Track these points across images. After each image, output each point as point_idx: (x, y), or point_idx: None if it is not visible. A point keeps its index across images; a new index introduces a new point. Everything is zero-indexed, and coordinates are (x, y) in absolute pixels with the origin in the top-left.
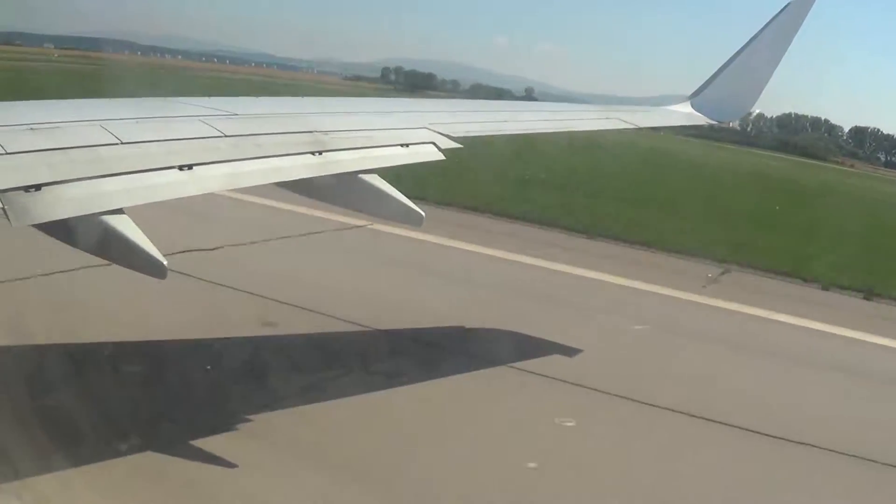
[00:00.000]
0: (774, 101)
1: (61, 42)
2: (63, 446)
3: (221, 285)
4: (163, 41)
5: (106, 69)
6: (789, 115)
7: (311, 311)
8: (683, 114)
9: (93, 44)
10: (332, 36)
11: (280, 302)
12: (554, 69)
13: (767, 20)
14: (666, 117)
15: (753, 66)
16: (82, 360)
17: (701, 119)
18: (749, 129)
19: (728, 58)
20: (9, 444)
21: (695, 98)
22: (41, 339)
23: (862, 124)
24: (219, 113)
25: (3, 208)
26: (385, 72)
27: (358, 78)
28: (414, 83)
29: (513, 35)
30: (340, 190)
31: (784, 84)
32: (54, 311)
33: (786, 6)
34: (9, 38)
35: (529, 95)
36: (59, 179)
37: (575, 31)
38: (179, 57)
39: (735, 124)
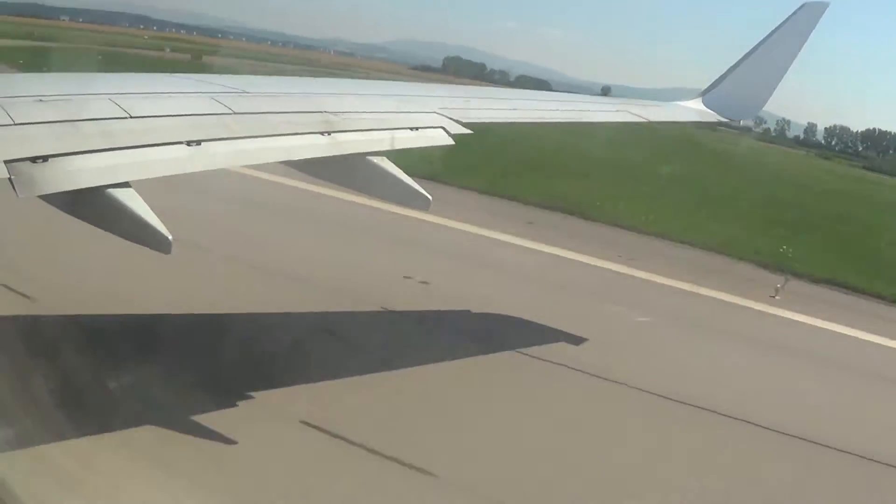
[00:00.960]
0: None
1: (77, 15)
2: None
3: None
4: (173, 16)
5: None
6: (873, 130)
7: None
8: (695, 110)
9: (110, 18)
10: (339, 15)
11: None
12: (563, 56)
13: (783, 17)
14: (677, 113)
15: (765, 65)
16: None
17: (712, 116)
18: (833, 142)
19: (741, 53)
20: None
21: (706, 95)
22: None
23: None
24: (229, 90)
25: (10, 179)
26: (446, 62)
27: (426, 68)
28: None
29: (523, 20)
30: (348, 171)
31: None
32: None
33: (800, 7)
34: (23, 11)
35: (606, 93)
36: (66, 151)
37: (586, 18)
38: (195, 33)
39: (820, 137)
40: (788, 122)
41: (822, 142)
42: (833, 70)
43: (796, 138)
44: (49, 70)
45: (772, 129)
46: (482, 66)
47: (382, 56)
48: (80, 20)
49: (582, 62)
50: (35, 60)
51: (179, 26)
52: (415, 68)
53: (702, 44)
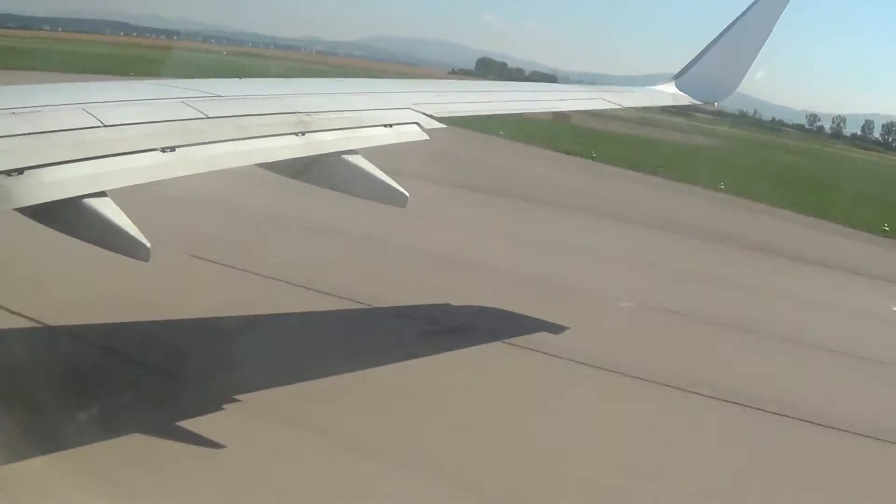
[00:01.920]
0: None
1: (56, 25)
2: None
3: None
4: (147, 21)
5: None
6: None
7: None
8: (668, 94)
9: (92, 26)
10: (311, 14)
11: None
12: (540, 47)
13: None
14: (651, 98)
15: (737, 47)
16: None
17: (686, 99)
18: (889, 138)
19: (712, 38)
20: None
21: (679, 78)
22: None
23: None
24: (202, 95)
25: None
26: (480, 63)
27: (464, 72)
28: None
29: (500, 12)
30: (324, 171)
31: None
32: None
33: None
34: (2, 21)
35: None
36: (41, 163)
37: (563, 10)
38: (176, 38)
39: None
40: (844, 120)
41: (880, 138)
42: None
43: (853, 136)
44: None
45: (826, 126)
46: (503, 65)
47: (361, 54)
48: (59, 29)
49: (562, 53)
50: None
51: (160, 32)
52: (454, 73)
53: (676, 30)
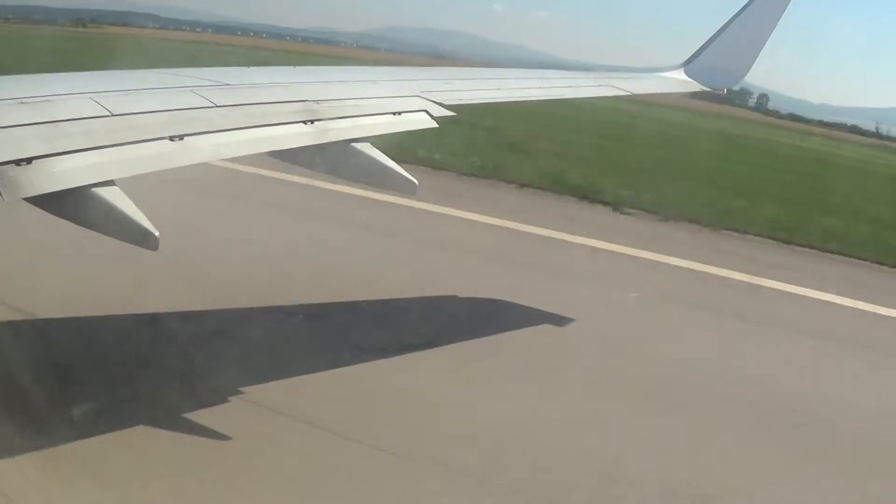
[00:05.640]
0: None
1: (89, 16)
2: None
3: None
4: (162, 11)
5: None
6: None
7: None
8: (677, 80)
9: (121, 18)
10: (325, 4)
11: None
12: (552, 38)
13: None
14: (660, 84)
15: (748, 32)
16: None
17: (695, 86)
18: None
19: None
20: None
21: (689, 65)
22: None
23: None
24: (211, 83)
25: None
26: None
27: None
28: None
29: (510, 2)
30: (332, 159)
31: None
32: None
33: None
34: (26, 13)
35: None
36: (49, 152)
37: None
38: (199, 30)
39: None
40: None
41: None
42: None
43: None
44: None
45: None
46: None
47: (386, 46)
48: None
49: (573, 44)
50: None
51: (194, 24)
52: None
53: (690, 20)
